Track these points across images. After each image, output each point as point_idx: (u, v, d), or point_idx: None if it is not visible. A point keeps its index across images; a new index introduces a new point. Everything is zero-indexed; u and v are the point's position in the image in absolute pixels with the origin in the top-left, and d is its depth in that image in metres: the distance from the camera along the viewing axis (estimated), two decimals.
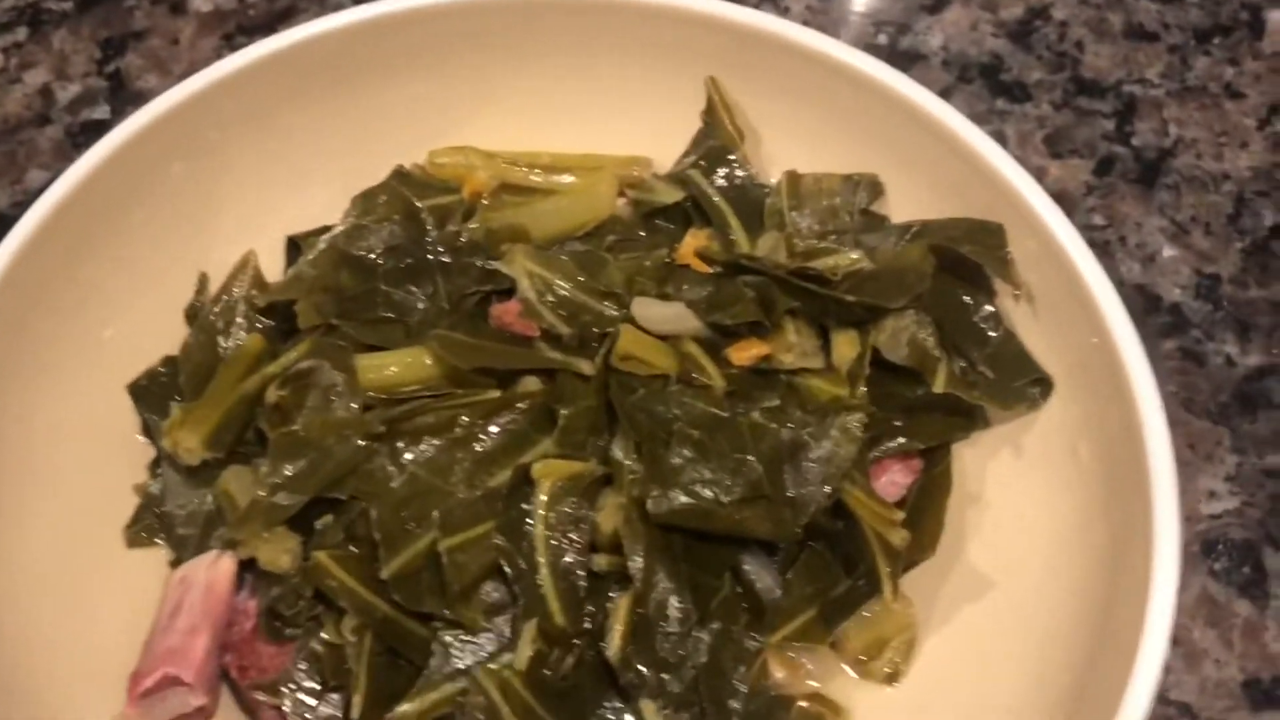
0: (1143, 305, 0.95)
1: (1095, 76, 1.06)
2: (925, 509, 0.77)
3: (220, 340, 0.83)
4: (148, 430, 0.82)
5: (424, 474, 0.73)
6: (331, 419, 0.74)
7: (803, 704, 0.75)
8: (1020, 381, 0.78)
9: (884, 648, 0.76)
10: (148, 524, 0.80)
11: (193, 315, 0.85)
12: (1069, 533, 0.74)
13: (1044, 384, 0.77)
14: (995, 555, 0.77)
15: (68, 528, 0.78)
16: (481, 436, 0.74)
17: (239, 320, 0.83)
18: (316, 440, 0.74)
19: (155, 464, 0.82)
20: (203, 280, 0.86)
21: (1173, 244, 0.98)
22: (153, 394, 0.82)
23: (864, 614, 0.75)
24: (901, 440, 0.77)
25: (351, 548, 0.72)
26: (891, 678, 0.76)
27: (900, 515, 0.73)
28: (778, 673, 0.75)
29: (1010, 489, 0.78)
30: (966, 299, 0.79)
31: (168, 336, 0.85)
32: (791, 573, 0.75)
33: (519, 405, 0.75)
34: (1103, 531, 0.72)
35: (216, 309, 0.83)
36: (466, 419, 0.74)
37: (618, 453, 0.73)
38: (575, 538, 0.72)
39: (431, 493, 0.73)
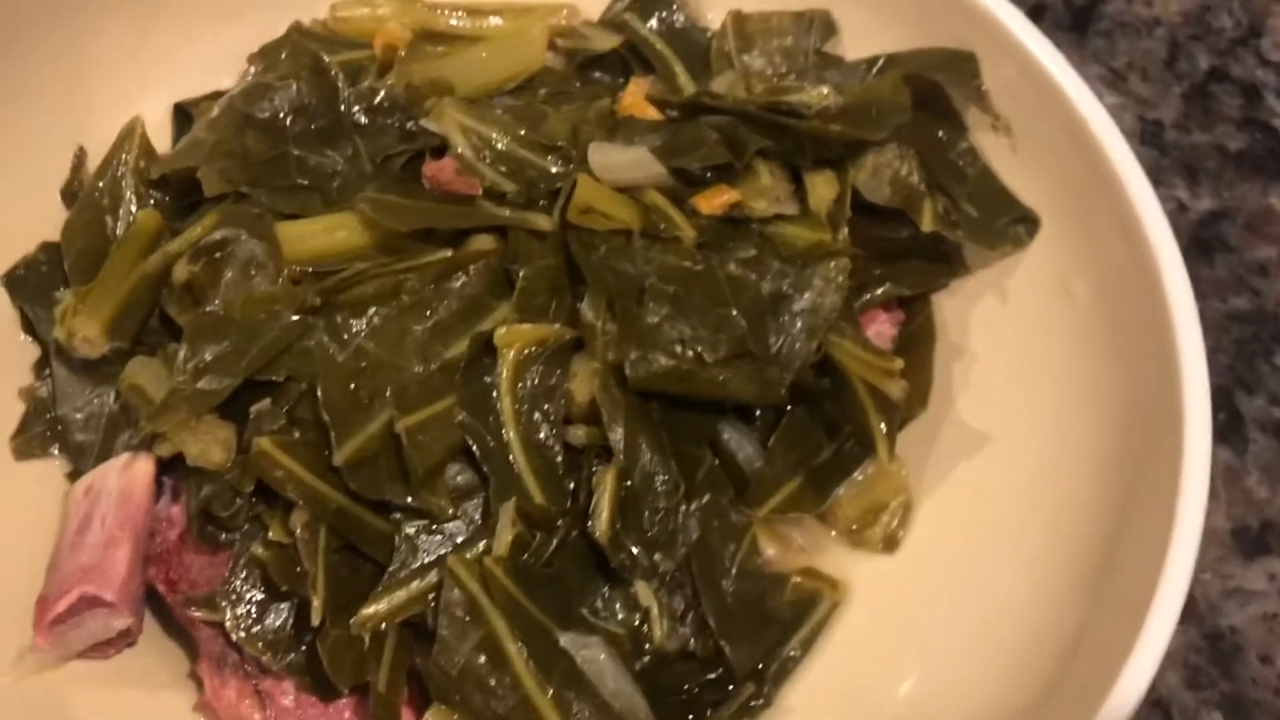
0: None
1: None
2: (912, 361, 0.71)
3: (108, 219, 0.72)
4: (29, 326, 0.72)
5: (373, 347, 0.64)
6: (258, 294, 0.65)
7: (797, 580, 0.69)
8: (1003, 220, 0.72)
9: (879, 514, 0.70)
10: (38, 432, 0.70)
11: (72, 194, 0.74)
12: (1070, 375, 0.69)
13: (1028, 221, 0.72)
14: (989, 408, 0.72)
15: None
16: (433, 303, 0.66)
17: (128, 195, 0.73)
18: (241, 318, 0.65)
19: (41, 364, 0.71)
20: (80, 155, 0.75)
21: (1112, 91, 0.94)
22: (32, 284, 0.72)
23: (856, 479, 0.69)
24: (887, 287, 0.71)
25: (296, 434, 0.63)
26: (889, 545, 0.70)
27: (899, 363, 0.67)
28: (768, 549, 0.69)
29: (998, 337, 0.73)
30: (940, 134, 0.73)
31: (42, 221, 0.74)
32: (773, 441, 0.69)
33: (472, 266, 0.66)
34: (1110, 369, 0.67)
35: (101, 184, 0.73)
36: (415, 284, 0.66)
37: (588, 313, 0.65)
38: (548, 409, 0.64)
39: (383, 368, 0.64)
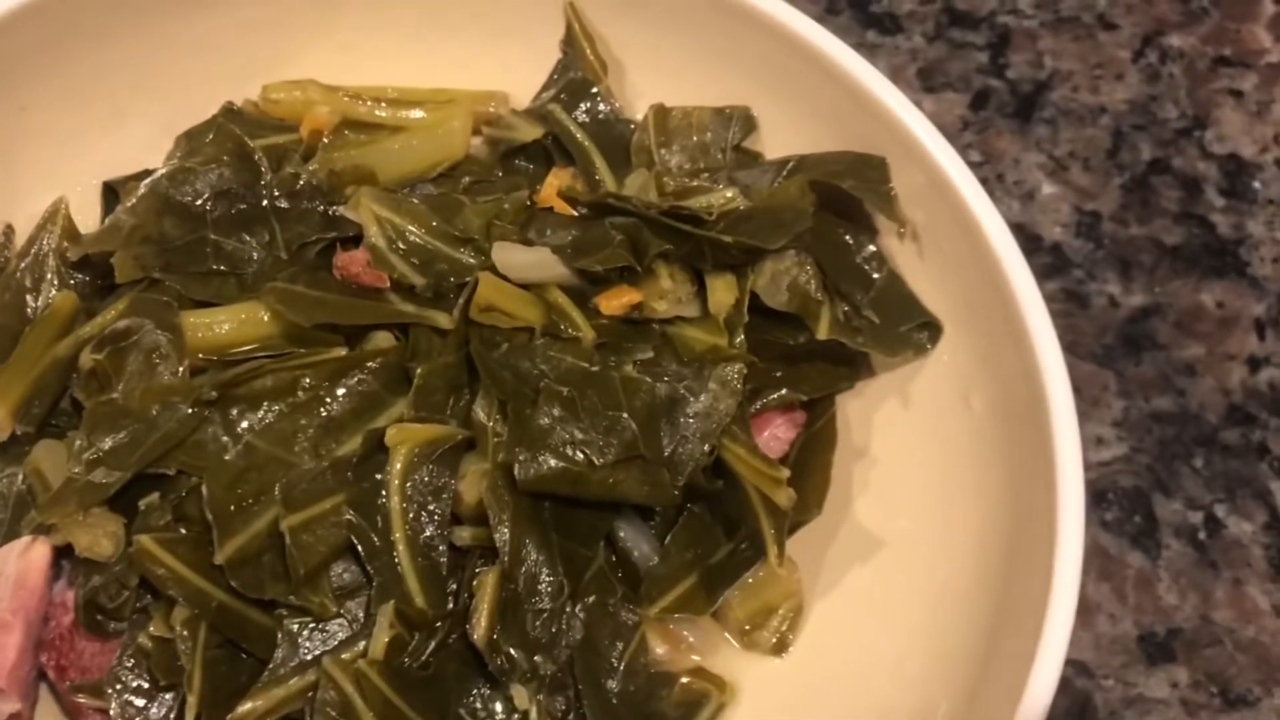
0: (1023, 245, 0.90)
1: (968, 8, 1.01)
2: (810, 465, 0.72)
3: (29, 299, 0.74)
4: None
5: (263, 444, 0.65)
6: (155, 385, 0.66)
7: (685, 680, 0.70)
8: (907, 326, 0.73)
9: (770, 616, 0.71)
10: None
11: None
12: (963, 487, 0.70)
13: (932, 328, 0.73)
14: (885, 513, 0.73)
15: None
16: (327, 400, 0.67)
17: (49, 276, 0.74)
18: (138, 409, 0.66)
19: None
20: (8, 233, 0.77)
21: (1051, 180, 0.95)
22: None
23: (748, 580, 0.70)
24: (784, 392, 0.72)
25: (182, 529, 0.65)
26: (779, 648, 0.71)
27: (786, 473, 0.68)
28: (657, 648, 0.70)
29: (898, 442, 0.74)
30: (848, 238, 0.74)
31: None
32: (669, 539, 0.70)
33: (369, 364, 0.68)
34: (1000, 484, 0.68)
35: (24, 264, 0.74)
36: (310, 381, 0.67)
37: (480, 414, 0.67)
38: (435, 509, 0.65)
39: (271, 464, 0.65)
